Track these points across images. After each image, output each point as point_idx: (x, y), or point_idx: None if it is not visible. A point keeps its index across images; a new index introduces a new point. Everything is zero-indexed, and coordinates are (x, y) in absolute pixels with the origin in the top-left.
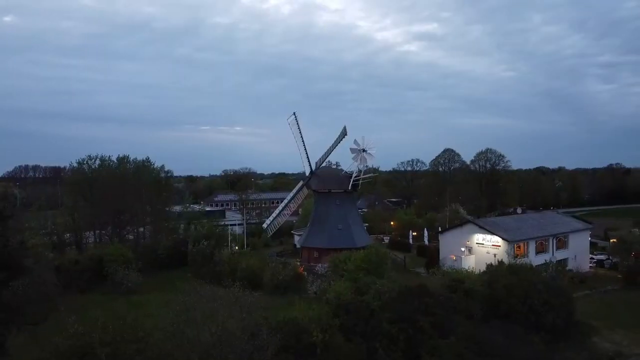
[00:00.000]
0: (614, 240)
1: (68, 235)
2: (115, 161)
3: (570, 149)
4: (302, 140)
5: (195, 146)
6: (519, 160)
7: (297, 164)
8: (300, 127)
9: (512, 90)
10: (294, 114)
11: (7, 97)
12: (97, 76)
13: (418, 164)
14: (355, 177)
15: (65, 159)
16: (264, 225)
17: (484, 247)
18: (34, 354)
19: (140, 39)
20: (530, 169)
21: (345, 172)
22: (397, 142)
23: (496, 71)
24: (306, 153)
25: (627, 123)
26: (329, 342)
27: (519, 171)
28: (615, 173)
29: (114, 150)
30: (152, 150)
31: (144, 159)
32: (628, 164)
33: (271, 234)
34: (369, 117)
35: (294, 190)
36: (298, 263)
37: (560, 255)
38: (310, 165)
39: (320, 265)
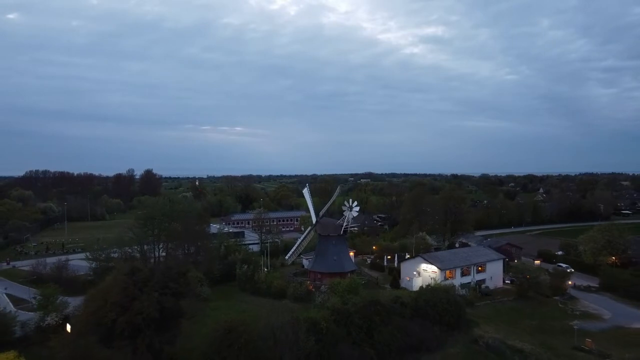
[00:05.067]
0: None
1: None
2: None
3: (563, 152)
4: (311, 204)
5: (194, 146)
6: (513, 164)
7: (294, 166)
8: (310, 196)
9: (513, 94)
10: (307, 185)
11: (10, 96)
12: (103, 75)
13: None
14: (345, 226)
15: (67, 158)
16: (286, 257)
17: (427, 272)
18: (196, 339)
19: (149, 39)
20: (520, 176)
21: (339, 222)
22: (396, 143)
23: (499, 74)
24: (314, 211)
25: (624, 127)
26: (329, 328)
27: (509, 177)
28: (572, 197)
29: (113, 149)
30: (151, 150)
31: (190, 196)
32: (621, 168)
33: (290, 262)
34: (370, 118)
35: (305, 234)
36: (308, 282)
37: (480, 277)
38: (316, 217)
39: (323, 285)
